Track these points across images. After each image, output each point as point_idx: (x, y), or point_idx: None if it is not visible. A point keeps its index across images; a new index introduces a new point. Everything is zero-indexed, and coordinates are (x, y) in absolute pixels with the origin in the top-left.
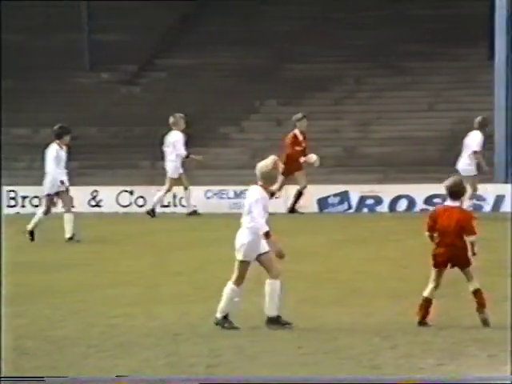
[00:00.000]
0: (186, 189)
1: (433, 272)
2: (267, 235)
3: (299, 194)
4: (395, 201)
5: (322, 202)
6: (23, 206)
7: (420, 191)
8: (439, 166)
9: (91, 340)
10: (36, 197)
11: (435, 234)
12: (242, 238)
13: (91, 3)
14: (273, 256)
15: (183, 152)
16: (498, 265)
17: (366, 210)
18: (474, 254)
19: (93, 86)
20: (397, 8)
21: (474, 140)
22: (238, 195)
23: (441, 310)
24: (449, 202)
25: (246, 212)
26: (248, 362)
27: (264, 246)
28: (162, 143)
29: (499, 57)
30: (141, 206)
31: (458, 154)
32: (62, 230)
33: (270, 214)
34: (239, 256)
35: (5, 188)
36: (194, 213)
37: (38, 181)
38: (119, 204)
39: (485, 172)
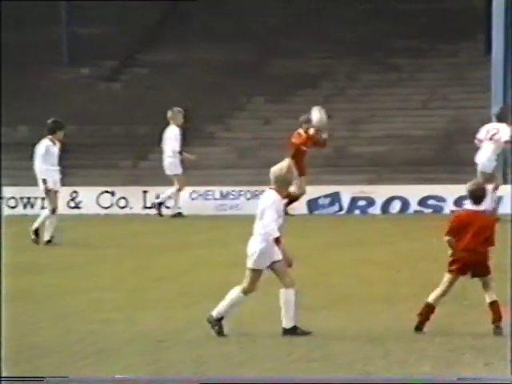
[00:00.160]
0: (178, 190)
1: (446, 278)
2: (277, 241)
3: (295, 199)
4: (388, 202)
5: (312, 204)
6: None
7: (414, 192)
8: (433, 165)
9: (71, 347)
10: (13, 198)
11: (454, 239)
12: (254, 245)
13: None
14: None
15: (175, 147)
16: (498, 268)
17: (357, 211)
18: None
19: (71, 82)
20: (389, 2)
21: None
22: (224, 196)
23: (436, 316)
24: (471, 207)
25: (259, 217)
26: (235, 369)
27: (278, 254)
28: (160, 140)
29: (496, 52)
30: (122, 208)
31: (451, 152)
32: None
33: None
34: (250, 264)
35: None
36: (179, 215)
37: (15, 181)
38: (100, 205)
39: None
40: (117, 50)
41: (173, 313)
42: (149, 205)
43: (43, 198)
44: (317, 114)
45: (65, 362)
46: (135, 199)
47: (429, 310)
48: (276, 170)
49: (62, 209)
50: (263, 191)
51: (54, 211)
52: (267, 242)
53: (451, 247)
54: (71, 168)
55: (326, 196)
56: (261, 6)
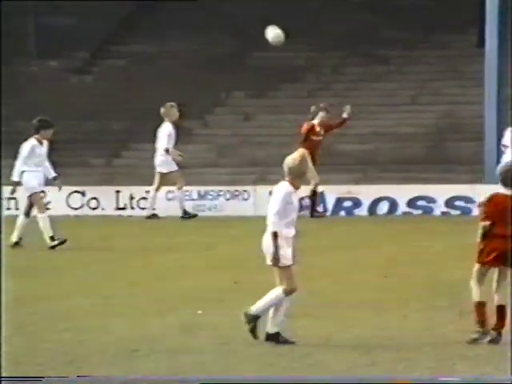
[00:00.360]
0: (156, 189)
1: (478, 271)
2: (274, 235)
3: (314, 194)
4: (375, 203)
5: None
6: None
7: (402, 193)
8: (424, 164)
9: (38, 357)
10: None
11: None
12: (268, 241)
13: None
14: (294, 269)
15: (163, 144)
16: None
17: (343, 212)
18: None
19: (40, 75)
20: None
21: None
22: (202, 196)
23: (424, 324)
24: (504, 190)
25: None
26: (212, 380)
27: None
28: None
29: (490, 44)
30: (94, 209)
31: (443, 150)
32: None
33: (238, 218)
34: (269, 261)
35: None
36: (154, 216)
37: None
38: (70, 206)
39: None
40: (89, 41)
41: (147, 320)
42: (122, 205)
43: (9, 198)
44: (271, 32)
45: (32, 373)
46: (107, 200)
47: (482, 308)
48: (289, 161)
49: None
50: (244, 191)
51: (39, 212)
52: (280, 238)
53: (484, 235)
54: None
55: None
56: None
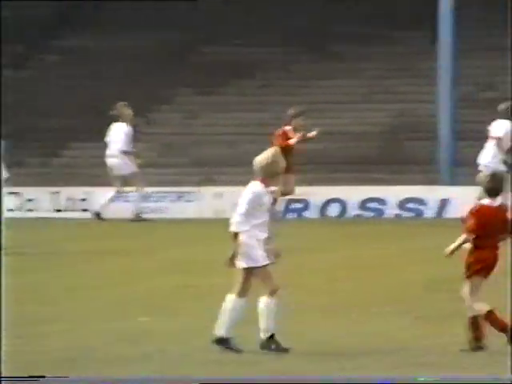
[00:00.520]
0: (118, 191)
1: (474, 283)
2: (234, 236)
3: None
4: (326, 205)
5: None
6: None
7: (354, 194)
8: (376, 164)
9: None
10: None
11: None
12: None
13: None
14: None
15: (121, 146)
16: (442, 278)
17: (292, 215)
18: None
19: None
20: None
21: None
22: (145, 198)
23: (376, 329)
24: (489, 201)
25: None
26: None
27: (263, 257)
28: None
29: (444, 40)
30: (30, 211)
31: (396, 150)
32: None
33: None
34: (237, 263)
35: None
36: (98, 216)
37: None
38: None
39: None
40: (25, 35)
41: (87, 329)
42: (59, 207)
43: None
44: None
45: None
46: (44, 201)
47: (477, 323)
48: (261, 158)
49: None
50: (191, 192)
51: None
52: (252, 238)
53: (472, 247)
54: None
55: None
56: None
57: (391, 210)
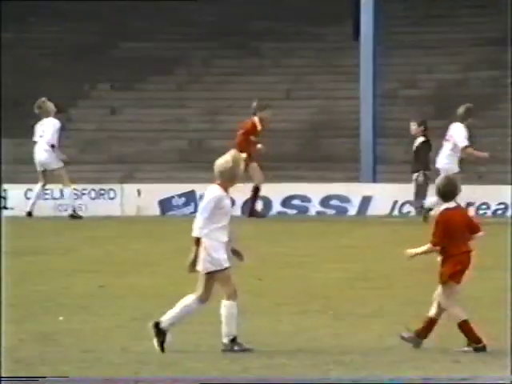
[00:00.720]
0: (43, 186)
1: (450, 289)
2: (196, 242)
3: (256, 190)
4: (248, 202)
5: (165, 204)
6: None
7: (276, 192)
8: (297, 162)
9: None
10: None
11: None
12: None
13: None
14: (230, 273)
15: (50, 140)
16: (364, 276)
17: None
18: None
19: None
20: None
21: (457, 134)
22: (64, 195)
23: (297, 328)
24: (446, 205)
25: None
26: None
27: (222, 260)
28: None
29: (365, 37)
30: None
31: (317, 148)
32: None
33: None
34: (199, 267)
35: None
36: (30, 214)
37: None
38: None
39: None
40: None
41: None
42: None
43: None
44: None
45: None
46: None
47: (432, 324)
48: (221, 162)
49: None
50: (110, 190)
51: None
52: (214, 241)
53: (443, 254)
54: None
55: (179, 195)
56: None
57: (314, 208)
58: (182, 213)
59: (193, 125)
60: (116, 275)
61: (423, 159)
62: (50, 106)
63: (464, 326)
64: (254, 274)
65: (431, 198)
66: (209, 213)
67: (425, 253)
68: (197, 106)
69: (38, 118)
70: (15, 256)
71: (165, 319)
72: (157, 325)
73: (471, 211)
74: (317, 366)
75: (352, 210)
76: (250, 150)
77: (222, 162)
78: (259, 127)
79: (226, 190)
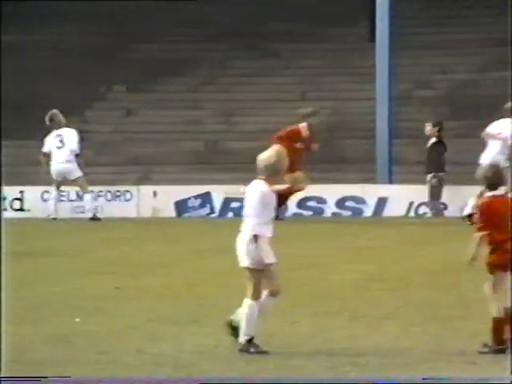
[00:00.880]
0: (58, 188)
1: (493, 281)
2: (255, 238)
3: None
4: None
5: (181, 205)
6: None
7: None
8: (313, 163)
9: None
10: None
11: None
12: (243, 243)
13: None
14: (269, 274)
15: (75, 150)
16: (380, 277)
17: (231, 214)
18: None
19: None
20: None
21: (507, 130)
22: (80, 197)
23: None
24: (492, 192)
25: (246, 212)
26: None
27: (269, 256)
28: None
29: (381, 38)
30: None
31: (333, 149)
32: None
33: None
34: (244, 262)
35: None
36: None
37: None
38: None
39: None
40: None
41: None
42: None
43: None
44: None
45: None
46: None
47: (499, 326)
48: (264, 157)
49: None
50: (126, 191)
51: None
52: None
53: (489, 243)
54: None
55: (195, 197)
56: None
57: (329, 209)
58: (197, 214)
59: (208, 126)
60: (132, 277)
61: (436, 161)
62: (62, 117)
63: (494, 323)
64: None
65: (467, 207)
66: (260, 210)
67: (478, 246)
68: (212, 108)
69: (46, 124)
70: (30, 258)
71: (248, 330)
72: (250, 340)
73: None
74: (334, 368)
75: (368, 212)
76: (294, 158)
77: (266, 157)
78: (304, 134)
79: (270, 185)
